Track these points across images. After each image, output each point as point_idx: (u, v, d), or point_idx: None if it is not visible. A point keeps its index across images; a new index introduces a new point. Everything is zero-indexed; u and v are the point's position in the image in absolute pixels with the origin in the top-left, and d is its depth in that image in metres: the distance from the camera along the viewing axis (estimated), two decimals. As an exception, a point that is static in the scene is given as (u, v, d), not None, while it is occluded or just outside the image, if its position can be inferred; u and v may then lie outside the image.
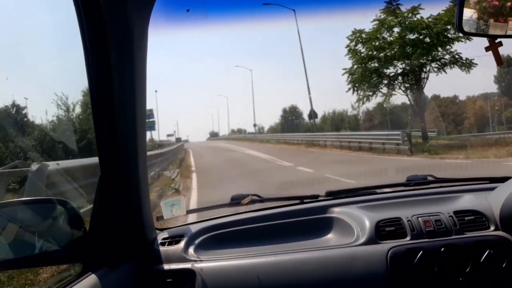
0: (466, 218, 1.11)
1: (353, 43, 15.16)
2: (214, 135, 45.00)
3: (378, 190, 1.38)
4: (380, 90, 15.69)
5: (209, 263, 1.06)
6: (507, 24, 1.00)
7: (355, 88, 15.53)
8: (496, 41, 1.04)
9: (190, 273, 1.03)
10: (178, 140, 28.86)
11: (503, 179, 1.25)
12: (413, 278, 1.01)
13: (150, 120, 14.34)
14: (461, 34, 1.10)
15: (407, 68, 14.89)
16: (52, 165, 3.33)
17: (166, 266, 1.06)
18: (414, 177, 1.39)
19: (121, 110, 0.93)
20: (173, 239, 1.14)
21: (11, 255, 0.91)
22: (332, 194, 1.34)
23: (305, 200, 1.32)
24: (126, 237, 1.02)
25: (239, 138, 34.33)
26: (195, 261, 1.06)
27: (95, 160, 1.00)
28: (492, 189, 1.21)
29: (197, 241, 1.14)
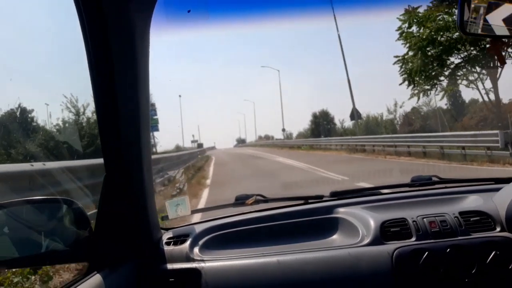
0: (471, 219, 1.09)
1: (406, 24, 12.04)
2: (241, 142, 44.09)
3: (382, 191, 1.37)
4: (441, 82, 12.64)
5: (214, 262, 1.06)
6: (509, 23, 0.99)
7: (411, 80, 12.42)
8: (498, 41, 0.94)
9: (195, 272, 1.04)
10: (200, 145, 27.53)
11: (508, 180, 1.24)
12: (418, 279, 1.00)
13: (153, 117, 11.64)
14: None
15: (477, 54, 11.68)
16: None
17: (171, 266, 1.07)
18: (419, 178, 1.38)
19: (124, 110, 0.95)
20: (178, 239, 1.15)
21: (17, 254, 0.92)
22: (336, 195, 1.34)
23: (309, 201, 1.32)
24: (131, 236, 1.04)
25: (266, 144, 32.96)
26: (200, 261, 1.07)
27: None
28: (498, 190, 1.19)
29: (202, 241, 1.14)
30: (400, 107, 16.27)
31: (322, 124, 26.74)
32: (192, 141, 29.32)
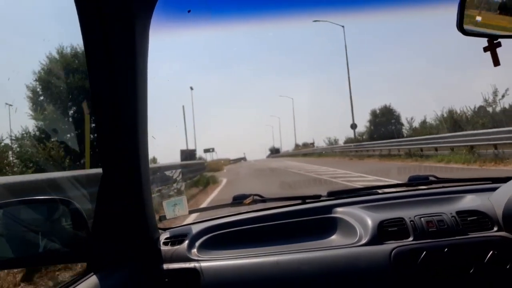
0: (468, 219, 1.10)
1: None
2: (274, 152, 37.98)
3: (380, 190, 1.37)
4: None
5: (212, 262, 1.06)
6: (507, 24, 0.99)
7: None
8: (495, 41, 1.02)
9: (193, 272, 1.04)
10: (190, 155, 18.30)
11: (505, 179, 1.24)
12: (416, 279, 1.01)
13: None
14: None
15: None
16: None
17: (169, 266, 1.07)
18: (416, 177, 1.39)
19: (122, 110, 0.95)
20: (176, 239, 1.15)
21: (15, 254, 0.92)
22: (334, 194, 1.34)
23: (307, 200, 1.32)
24: (129, 237, 1.03)
25: (315, 152, 23.91)
26: (197, 260, 1.07)
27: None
28: (495, 189, 1.20)
29: (199, 241, 1.14)
30: (503, 96, 12.36)
31: (385, 124, 20.13)
32: (205, 150, 25.13)
